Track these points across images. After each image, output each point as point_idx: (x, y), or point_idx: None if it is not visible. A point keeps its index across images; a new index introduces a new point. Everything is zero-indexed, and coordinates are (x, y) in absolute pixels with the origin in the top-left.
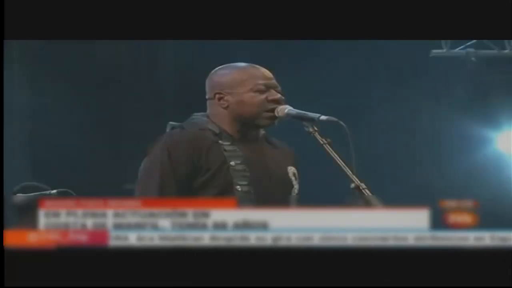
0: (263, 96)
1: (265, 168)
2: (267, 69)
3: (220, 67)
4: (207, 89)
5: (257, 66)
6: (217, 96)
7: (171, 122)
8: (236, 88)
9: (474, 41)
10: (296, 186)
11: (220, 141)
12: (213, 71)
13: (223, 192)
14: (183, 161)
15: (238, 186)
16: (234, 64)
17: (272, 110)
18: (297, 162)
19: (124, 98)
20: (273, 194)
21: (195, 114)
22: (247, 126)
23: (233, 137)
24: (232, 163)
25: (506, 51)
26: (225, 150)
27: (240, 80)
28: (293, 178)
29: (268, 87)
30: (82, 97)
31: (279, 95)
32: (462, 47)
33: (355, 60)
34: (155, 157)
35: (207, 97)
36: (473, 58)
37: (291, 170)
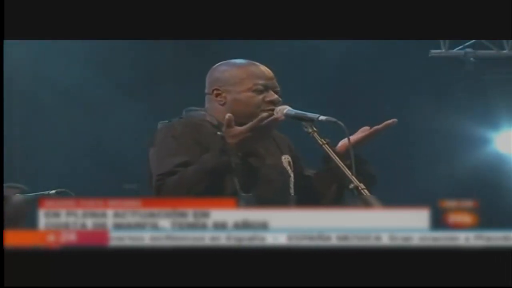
0: (260, 97)
1: (262, 159)
2: (268, 67)
3: (221, 63)
4: (206, 84)
5: (258, 64)
6: (214, 92)
7: (161, 122)
8: (234, 86)
9: (473, 41)
10: (292, 175)
11: (218, 132)
12: (213, 66)
13: (221, 181)
14: (188, 144)
15: (235, 179)
16: (235, 60)
17: (268, 111)
18: (292, 149)
19: (124, 98)
20: (270, 184)
21: (191, 107)
22: (243, 124)
23: None
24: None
25: (505, 51)
26: (223, 143)
27: (239, 78)
28: (288, 167)
29: (266, 88)
30: (82, 96)
31: (276, 96)
32: (460, 47)
33: (354, 60)
34: (160, 143)
35: (206, 91)
36: (471, 58)
37: (286, 159)
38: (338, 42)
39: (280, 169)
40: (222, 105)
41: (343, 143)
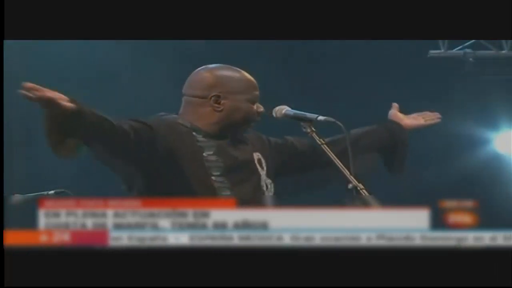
0: (254, 107)
1: (235, 158)
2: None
3: (211, 67)
4: (195, 86)
5: (246, 73)
6: (213, 98)
7: None
8: (238, 95)
9: (472, 41)
10: (262, 173)
11: (193, 133)
12: (203, 70)
13: (199, 182)
14: (158, 138)
15: (213, 177)
16: (224, 66)
17: (256, 122)
18: (264, 146)
19: (124, 97)
20: (244, 183)
21: (162, 113)
22: (230, 130)
23: (207, 133)
24: (205, 154)
25: (504, 51)
26: (197, 141)
27: (243, 87)
28: (257, 165)
29: (257, 99)
30: (81, 96)
31: (262, 109)
32: (459, 47)
33: (353, 60)
34: None
35: (192, 94)
36: (470, 59)
37: (256, 156)
38: (338, 42)
39: (251, 166)
40: (219, 111)
41: (406, 121)
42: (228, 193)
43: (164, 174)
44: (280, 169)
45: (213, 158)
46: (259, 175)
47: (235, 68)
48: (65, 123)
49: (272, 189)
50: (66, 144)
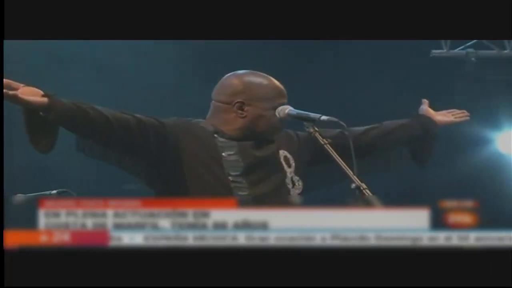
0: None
1: (257, 157)
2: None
3: (240, 73)
4: (222, 92)
5: (275, 80)
6: (237, 104)
7: None
8: (262, 102)
9: (474, 41)
10: (289, 171)
11: (215, 135)
12: (232, 75)
13: (215, 182)
14: (170, 137)
15: (230, 177)
16: (254, 73)
17: (280, 128)
18: (291, 143)
19: (124, 97)
20: (265, 182)
21: (189, 118)
22: (254, 136)
23: (231, 136)
24: (224, 154)
25: (506, 51)
26: (218, 142)
27: (268, 95)
28: (284, 162)
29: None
30: (81, 96)
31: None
32: (462, 47)
33: (355, 60)
34: None
35: (218, 99)
36: (473, 58)
37: (283, 154)
38: (339, 42)
39: (276, 165)
40: (243, 117)
41: (440, 117)
42: (246, 193)
43: (177, 175)
44: (311, 161)
45: (233, 158)
46: (285, 173)
47: (265, 75)
48: (38, 118)
49: (301, 186)
50: (44, 138)
